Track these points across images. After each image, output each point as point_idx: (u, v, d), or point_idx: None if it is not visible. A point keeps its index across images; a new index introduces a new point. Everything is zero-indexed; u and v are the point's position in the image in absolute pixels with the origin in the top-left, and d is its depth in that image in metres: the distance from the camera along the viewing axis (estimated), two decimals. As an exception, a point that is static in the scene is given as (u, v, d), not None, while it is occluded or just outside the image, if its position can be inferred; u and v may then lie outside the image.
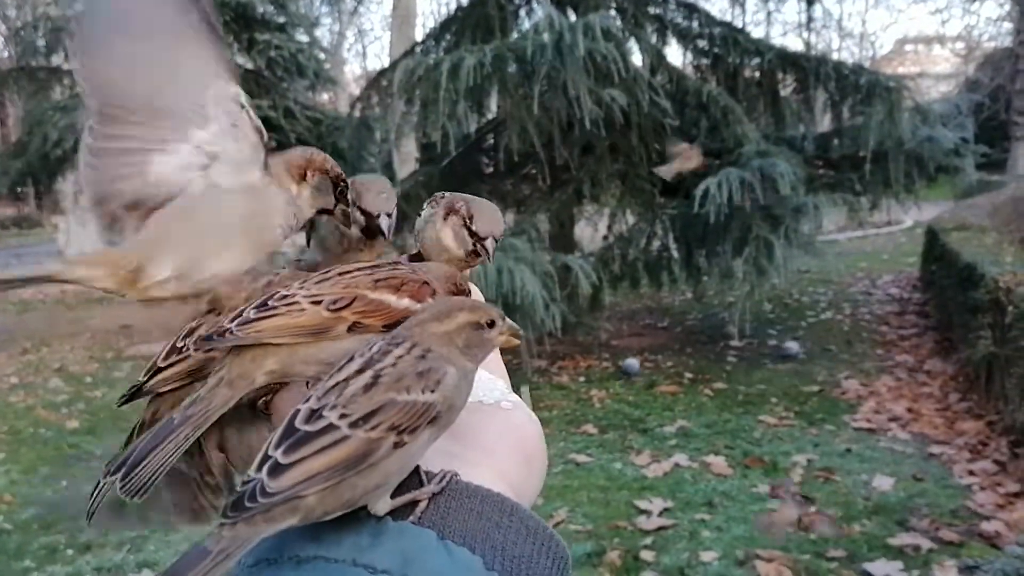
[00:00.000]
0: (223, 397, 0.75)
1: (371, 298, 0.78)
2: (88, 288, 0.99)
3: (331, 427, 0.64)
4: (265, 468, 0.63)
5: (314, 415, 0.65)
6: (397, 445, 0.65)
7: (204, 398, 0.75)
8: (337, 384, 0.67)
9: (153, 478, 0.71)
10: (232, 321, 0.76)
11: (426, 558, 0.62)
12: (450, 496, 0.67)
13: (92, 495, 0.85)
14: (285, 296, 0.77)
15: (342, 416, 0.64)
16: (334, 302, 0.76)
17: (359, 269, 0.81)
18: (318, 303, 0.76)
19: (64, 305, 12.03)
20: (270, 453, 0.64)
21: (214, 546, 0.62)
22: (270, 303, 0.77)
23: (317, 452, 0.63)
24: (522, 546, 0.66)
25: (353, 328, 0.76)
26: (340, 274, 0.80)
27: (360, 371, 0.68)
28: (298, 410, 0.66)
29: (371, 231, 1.04)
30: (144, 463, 0.71)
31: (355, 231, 1.05)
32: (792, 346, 7.77)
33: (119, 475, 0.71)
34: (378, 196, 1.04)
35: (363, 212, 1.03)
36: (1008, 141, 21.14)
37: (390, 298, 0.78)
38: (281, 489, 0.62)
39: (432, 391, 0.67)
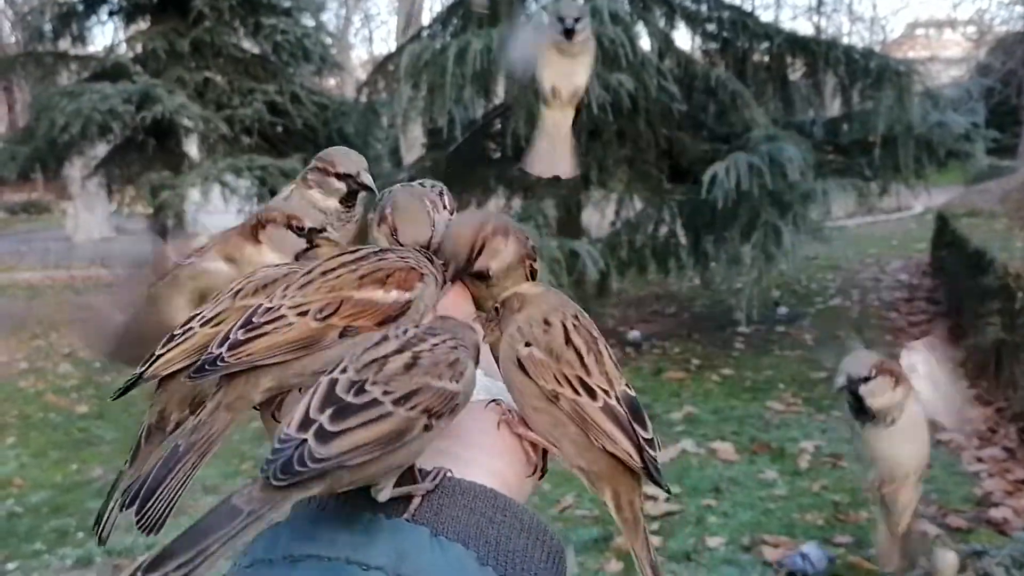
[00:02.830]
0: (223, 421, 0.75)
1: (357, 299, 0.77)
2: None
3: (376, 402, 0.65)
4: (311, 432, 0.63)
5: (355, 387, 0.66)
6: (427, 428, 0.66)
7: (206, 423, 0.75)
8: (375, 360, 0.68)
9: (167, 511, 0.72)
10: (221, 346, 0.75)
11: (419, 554, 0.62)
12: (443, 493, 0.67)
13: (102, 518, 0.86)
14: (269, 310, 0.76)
15: (385, 392, 0.65)
16: (320, 310, 0.76)
17: (343, 265, 0.79)
18: (304, 314, 0.75)
19: (73, 290, 12.08)
20: (313, 416, 0.64)
21: (245, 506, 0.62)
22: (255, 320, 0.76)
23: (363, 424, 0.64)
24: (516, 541, 0.66)
25: (345, 332, 0.76)
26: (323, 273, 0.78)
27: (399, 351, 0.69)
28: (335, 379, 0.67)
29: (352, 195, 1.05)
30: (156, 497, 0.71)
31: (334, 203, 1.05)
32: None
33: (133, 509, 0.71)
34: (348, 157, 1.05)
35: (340, 177, 1.03)
36: (1019, 126, 20.96)
37: (377, 294, 0.77)
38: (329, 456, 0.62)
39: (457, 381, 0.69)
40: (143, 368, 0.87)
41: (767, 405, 5.97)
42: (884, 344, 7.45)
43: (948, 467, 4.80)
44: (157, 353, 0.86)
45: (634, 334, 7.94)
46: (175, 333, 0.86)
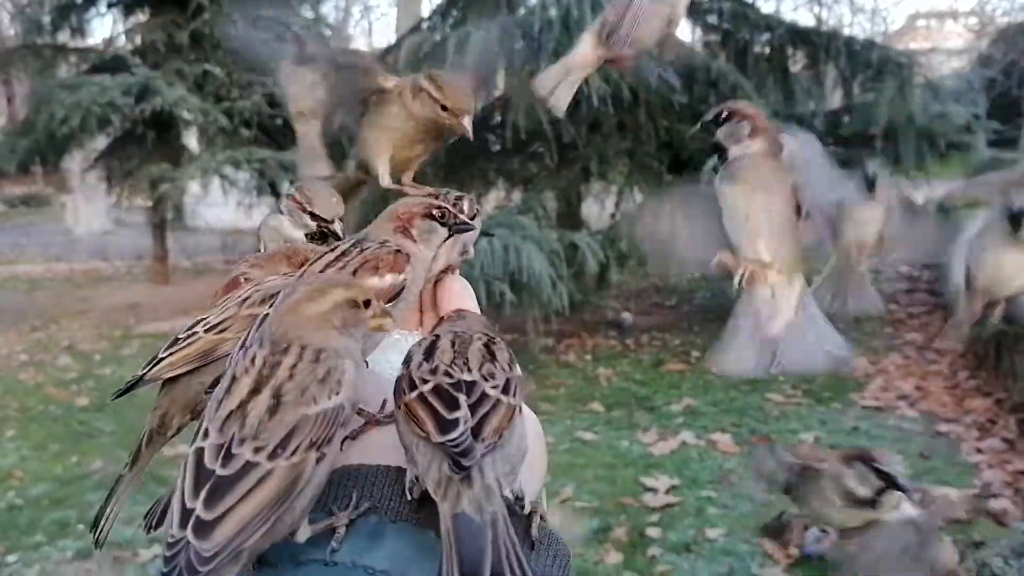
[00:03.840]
0: None
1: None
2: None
3: (249, 465, 0.59)
4: (189, 527, 0.57)
5: (222, 453, 0.60)
6: (319, 460, 0.62)
7: None
8: (233, 411, 0.62)
9: None
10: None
11: (425, 559, 0.62)
12: None
13: (100, 521, 0.86)
14: None
15: (257, 450, 0.60)
16: None
17: (330, 265, 0.80)
18: None
19: (72, 283, 12.07)
20: (189, 505, 0.58)
21: None
22: None
23: (243, 498, 0.58)
24: (524, 546, 0.66)
25: None
26: (318, 276, 0.79)
27: (255, 391, 0.63)
28: (201, 448, 0.61)
29: (321, 236, 1.08)
30: None
31: (299, 235, 1.08)
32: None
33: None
34: (328, 201, 1.07)
35: (314, 217, 1.05)
36: (1021, 118, 20.92)
37: (374, 280, 0.79)
38: (216, 547, 0.57)
39: (337, 393, 0.64)
40: (145, 370, 0.87)
41: (767, 397, 5.97)
42: (885, 336, 7.46)
43: (948, 458, 4.80)
44: (160, 356, 0.87)
45: (625, 316, 8.15)
46: (179, 337, 0.87)
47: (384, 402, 0.76)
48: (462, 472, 0.60)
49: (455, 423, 0.63)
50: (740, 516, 4.26)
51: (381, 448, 0.71)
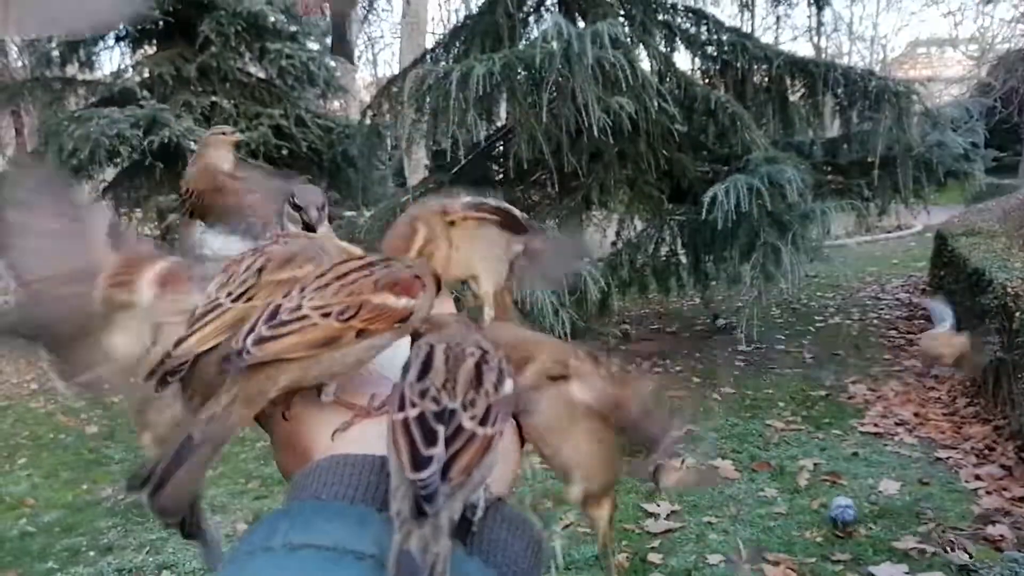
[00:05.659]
0: (240, 415, 0.77)
1: (375, 303, 0.80)
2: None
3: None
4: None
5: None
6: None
7: (221, 416, 0.76)
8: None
9: (183, 498, 0.73)
10: (246, 338, 0.77)
11: None
12: None
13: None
14: (293, 310, 0.79)
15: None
16: (342, 312, 0.79)
17: (356, 271, 0.83)
18: (327, 315, 0.79)
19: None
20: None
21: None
22: (282, 317, 0.78)
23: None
24: (497, 531, 0.72)
25: (360, 334, 0.79)
26: (338, 277, 0.82)
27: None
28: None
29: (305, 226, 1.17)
30: (171, 483, 0.72)
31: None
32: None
33: (146, 494, 0.72)
34: (307, 191, 1.16)
35: (295, 207, 1.13)
36: (1020, 144, 21.03)
37: (390, 299, 0.81)
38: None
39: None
40: (175, 348, 0.82)
41: (767, 423, 6.02)
42: (884, 362, 7.51)
43: (946, 485, 4.84)
44: (189, 331, 0.83)
45: (625, 328, 8.64)
46: (200, 312, 0.84)
47: (372, 396, 0.81)
48: (422, 517, 0.62)
49: (429, 461, 0.64)
50: (741, 542, 4.30)
51: (371, 438, 0.74)
